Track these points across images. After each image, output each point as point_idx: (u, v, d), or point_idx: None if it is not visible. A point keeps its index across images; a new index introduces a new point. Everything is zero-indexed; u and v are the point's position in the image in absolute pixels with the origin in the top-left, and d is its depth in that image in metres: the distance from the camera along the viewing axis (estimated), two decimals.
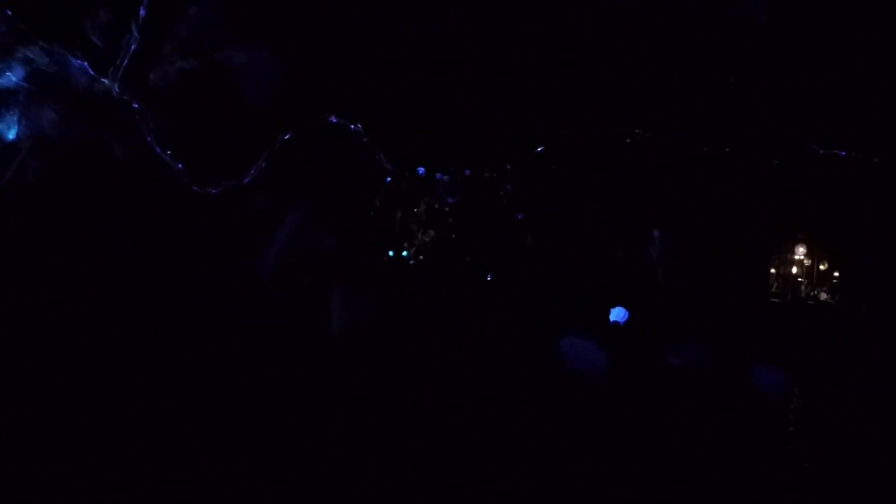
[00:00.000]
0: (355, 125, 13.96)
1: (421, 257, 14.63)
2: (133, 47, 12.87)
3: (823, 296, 13.76)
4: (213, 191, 13.36)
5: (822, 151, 12.90)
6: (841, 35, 12.07)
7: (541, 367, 12.32)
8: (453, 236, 14.63)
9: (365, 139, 14.01)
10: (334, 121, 13.87)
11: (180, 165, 13.27)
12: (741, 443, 9.38)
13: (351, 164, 13.98)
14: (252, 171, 13.51)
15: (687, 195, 13.70)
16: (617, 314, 13.57)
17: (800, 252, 14.01)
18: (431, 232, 14.67)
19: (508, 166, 14.32)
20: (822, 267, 13.90)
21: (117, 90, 13.00)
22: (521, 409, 10.41)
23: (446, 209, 14.68)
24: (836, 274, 13.78)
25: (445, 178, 14.71)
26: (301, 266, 13.69)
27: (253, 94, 13.16)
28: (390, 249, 14.61)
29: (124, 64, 12.93)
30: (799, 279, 13.93)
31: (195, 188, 13.28)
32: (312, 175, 13.68)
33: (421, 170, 14.67)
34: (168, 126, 13.20)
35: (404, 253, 14.62)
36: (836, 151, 12.81)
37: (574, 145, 13.99)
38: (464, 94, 13.65)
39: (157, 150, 13.17)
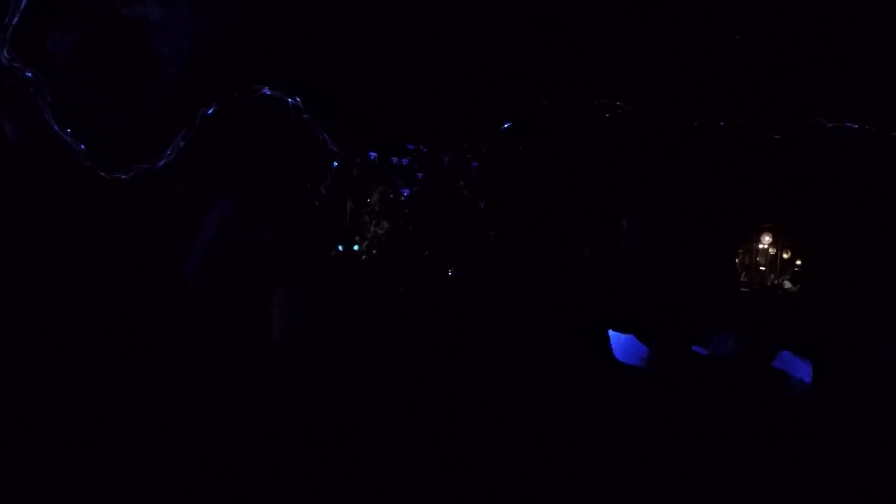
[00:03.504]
0: (293, 99, 12.39)
1: (374, 252, 13.42)
2: (24, 3, 11.10)
3: (787, 284, 13.47)
4: (123, 176, 11.75)
5: (829, 125, 11.84)
6: None
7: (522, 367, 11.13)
8: (410, 228, 13.41)
9: (305, 116, 12.47)
10: (268, 93, 12.28)
11: (83, 146, 11.61)
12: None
13: (289, 146, 12.46)
14: (168, 153, 11.88)
15: (674, 176, 12.50)
16: None
17: (765, 241, 13.71)
18: (386, 223, 13.47)
19: (466, 146, 13.15)
20: (785, 255, 13.62)
21: (6, 56, 11.19)
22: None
23: (402, 198, 13.44)
24: (798, 262, 13.47)
25: (403, 162, 13.46)
26: (233, 264, 12.22)
27: (169, 59, 11.64)
28: (339, 243, 13.36)
29: (13, 23, 11.11)
30: (762, 268, 13.72)
31: (101, 173, 11.64)
32: (241, 157, 12.16)
33: (373, 154, 13.39)
34: (68, 99, 11.52)
35: (356, 247, 13.43)
36: (847, 124, 11.74)
37: (546, 121, 12.74)
38: (423, 62, 12.20)
39: (56, 127, 11.47)
